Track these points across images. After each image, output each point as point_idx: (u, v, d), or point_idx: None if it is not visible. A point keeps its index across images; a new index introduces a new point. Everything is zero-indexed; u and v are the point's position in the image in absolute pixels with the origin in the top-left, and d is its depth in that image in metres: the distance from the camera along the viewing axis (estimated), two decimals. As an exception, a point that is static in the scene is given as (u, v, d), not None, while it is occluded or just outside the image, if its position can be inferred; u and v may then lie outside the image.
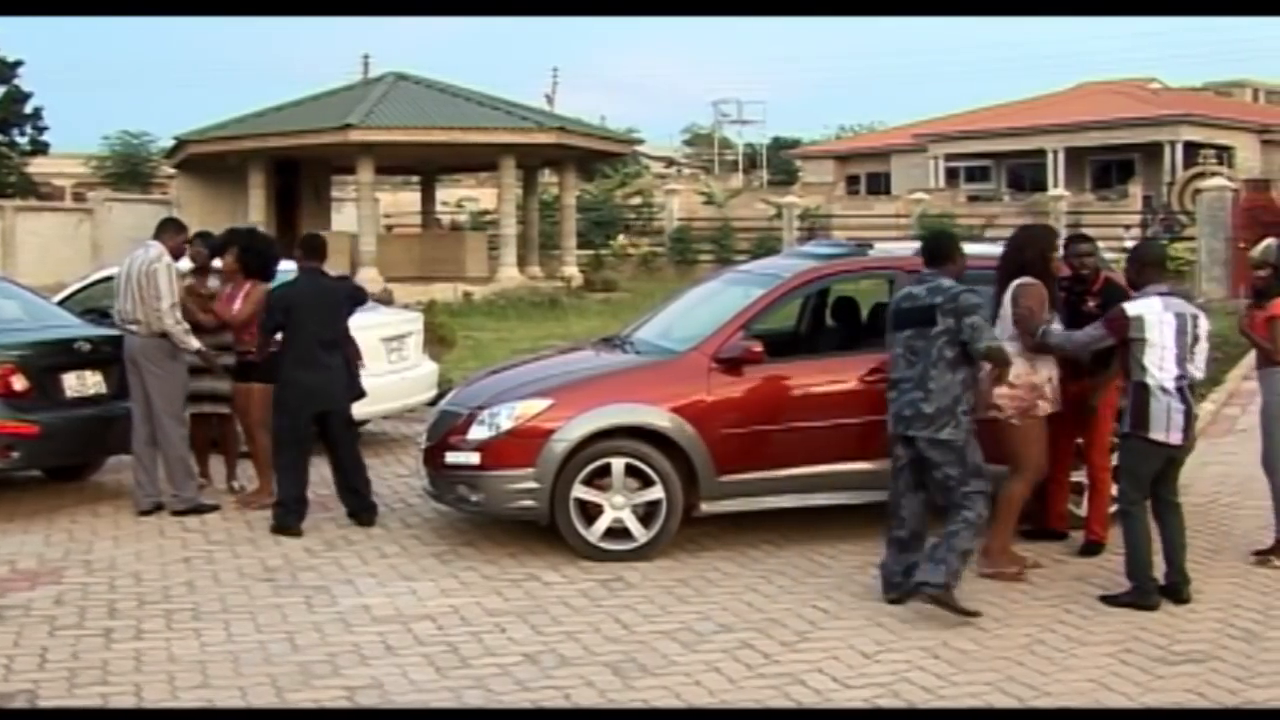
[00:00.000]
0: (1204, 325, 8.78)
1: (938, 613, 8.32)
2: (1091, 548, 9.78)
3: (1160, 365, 8.52)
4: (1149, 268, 8.95)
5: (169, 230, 11.60)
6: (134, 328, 11.18)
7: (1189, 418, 8.61)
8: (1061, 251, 9.96)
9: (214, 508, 11.25)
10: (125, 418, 11.35)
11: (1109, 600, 8.60)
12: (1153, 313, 8.58)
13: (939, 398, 8.43)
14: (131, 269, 11.20)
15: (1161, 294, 8.72)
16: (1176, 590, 8.64)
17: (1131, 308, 8.68)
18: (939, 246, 9.03)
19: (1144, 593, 8.51)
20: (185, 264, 11.92)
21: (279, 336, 10.82)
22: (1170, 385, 8.51)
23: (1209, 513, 10.90)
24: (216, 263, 12.08)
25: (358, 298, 11.29)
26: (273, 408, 10.89)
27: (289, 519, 10.58)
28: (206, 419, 12.00)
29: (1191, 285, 27.92)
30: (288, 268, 11.64)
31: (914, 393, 8.50)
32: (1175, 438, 8.56)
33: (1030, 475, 9.27)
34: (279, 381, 10.77)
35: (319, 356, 10.64)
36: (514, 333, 24.80)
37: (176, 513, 11.07)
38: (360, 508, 10.89)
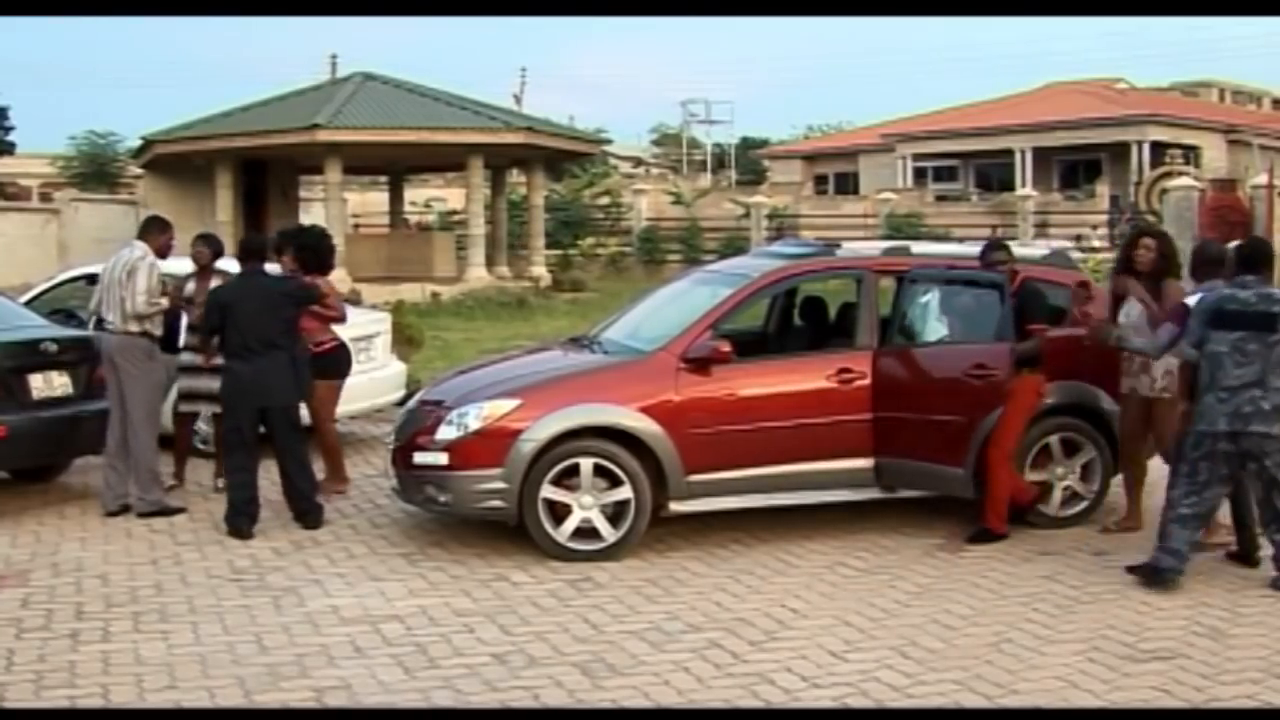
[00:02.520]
0: None
1: (905, 611, 8.37)
2: (985, 535, 10.03)
3: None
4: (1208, 265, 9.45)
5: (154, 229, 11.57)
6: (111, 327, 11.17)
7: None
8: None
9: (180, 510, 11.21)
10: (92, 419, 11.34)
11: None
12: None
13: (1275, 396, 8.74)
14: (116, 269, 11.18)
15: (1220, 290, 9.14)
16: (1246, 552, 9.43)
17: (1193, 301, 9.18)
18: (1260, 253, 9.22)
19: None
20: (188, 266, 12.07)
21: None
22: None
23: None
24: (220, 263, 12.16)
25: (299, 296, 11.11)
26: (222, 406, 10.97)
27: (240, 522, 10.52)
28: (192, 419, 12.08)
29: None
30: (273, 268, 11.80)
31: (1252, 391, 8.74)
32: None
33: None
34: (222, 380, 10.86)
35: (255, 353, 10.57)
36: (482, 333, 24.77)
37: (142, 515, 11.04)
38: (304, 510, 10.82)
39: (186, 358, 11.91)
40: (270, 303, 10.74)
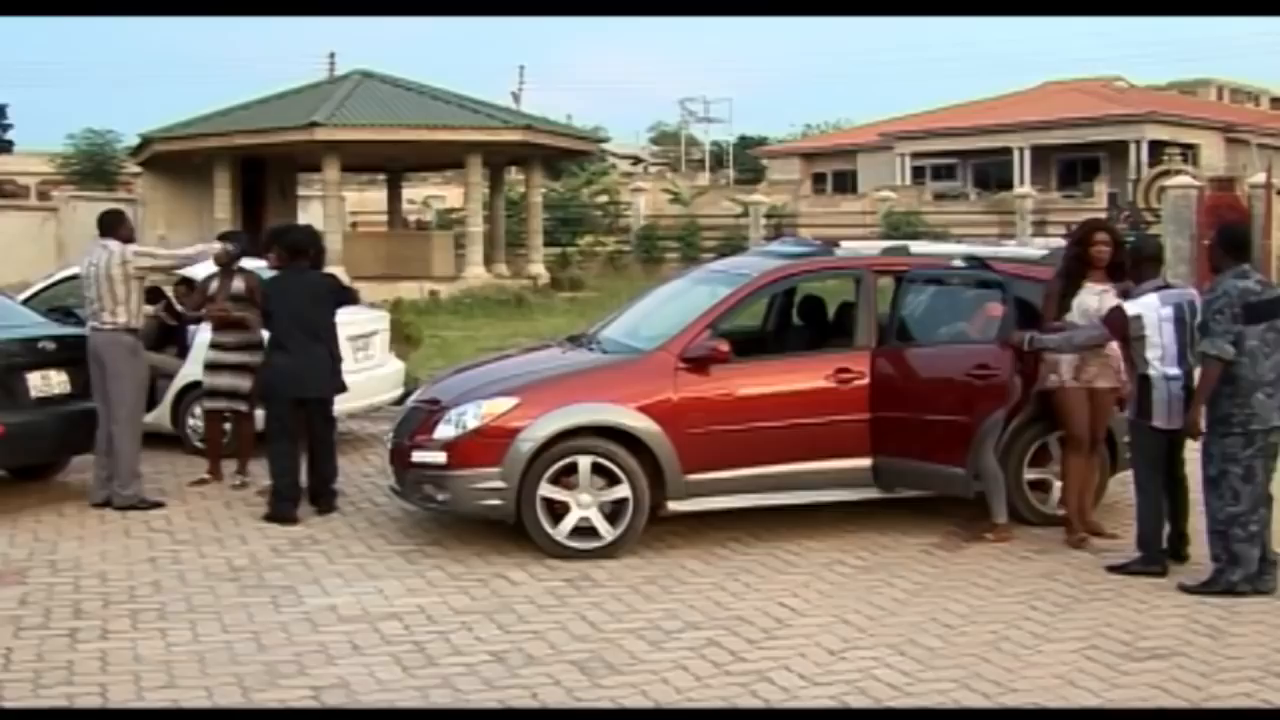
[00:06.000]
0: (1199, 307, 9.05)
1: (904, 609, 8.39)
2: None
3: (1161, 358, 8.92)
4: (1145, 263, 9.39)
5: (114, 222, 11.66)
6: (97, 324, 11.30)
7: (1188, 403, 8.98)
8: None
9: (158, 504, 11.33)
10: (90, 417, 11.39)
11: (1116, 569, 9.15)
12: (1150, 310, 9.00)
13: None
14: (98, 268, 11.28)
15: (1158, 289, 9.14)
16: (1176, 549, 9.32)
17: (1131, 307, 9.08)
18: (1247, 238, 9.31)
19: (1151, 560, 9.10)
20: (212, 266, 12.34)
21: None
22: (1173, 373, 8.93)
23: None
24: (245, 262, 12.41)
25: (340, 294, 11.43)
26: (263, 396, 11.27)
27: (286, 508, 10.82)
28: (219, 415, 12.28)
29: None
30: (259, 264, 12.16)
31: None
32: (1176, 423, 8.99)
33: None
34: (265, 368, 11.21)
35: (301, 343, 10.91)
36: (480, 331, 24.77)
37: (118, 508, 11.17)
38: (321, 494, 11.13)
39: (211, 355, 12.13)
40: (317, 297, 11.10)
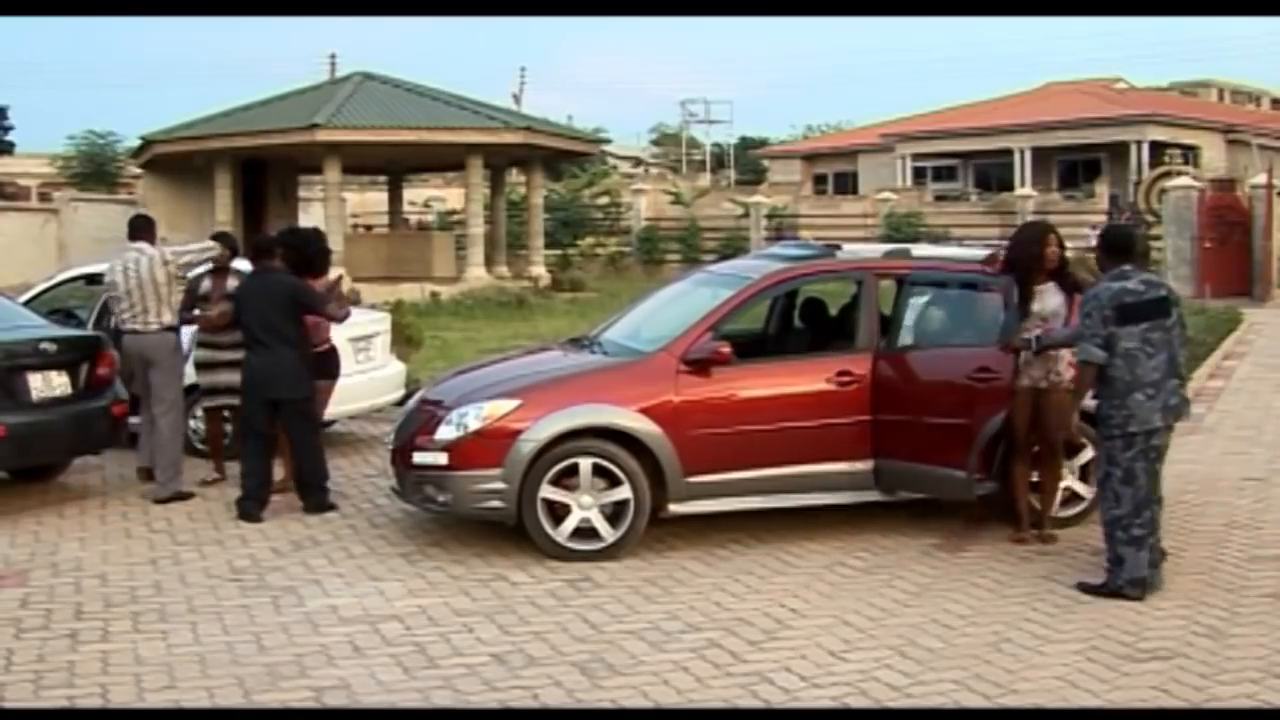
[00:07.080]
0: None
1: (904, 611, 8.38)
2: None
3: None
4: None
5: (145, 225, 12.13)
6: (140, 327, 11.67)
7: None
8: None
9: (190, 495, 11.60)
10: (91, 418, 11.43)
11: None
12: None
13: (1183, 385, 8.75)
14: (138, 271, 11.66)
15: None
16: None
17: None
18: (1130, 239, 9.05)
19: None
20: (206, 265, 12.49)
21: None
22: None
23: (1174, 510, 10.90)
24: (237, 263, 12.49)
25: (302, 297, 11.21)
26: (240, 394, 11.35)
27: (249, 506, 10.93)
28: (220, 414, 12.39)
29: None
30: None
31: (1172, 381, 8.65)
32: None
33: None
34: (241, 368, 11.28)
35: (267, 344, 10.99)
36: (481, 333, 24.76)
37: (159, 500, 11.40)
38: (305, 496, 11.20)
39: (203, 355, 12.20)
40: (276, 299, 11.07)
